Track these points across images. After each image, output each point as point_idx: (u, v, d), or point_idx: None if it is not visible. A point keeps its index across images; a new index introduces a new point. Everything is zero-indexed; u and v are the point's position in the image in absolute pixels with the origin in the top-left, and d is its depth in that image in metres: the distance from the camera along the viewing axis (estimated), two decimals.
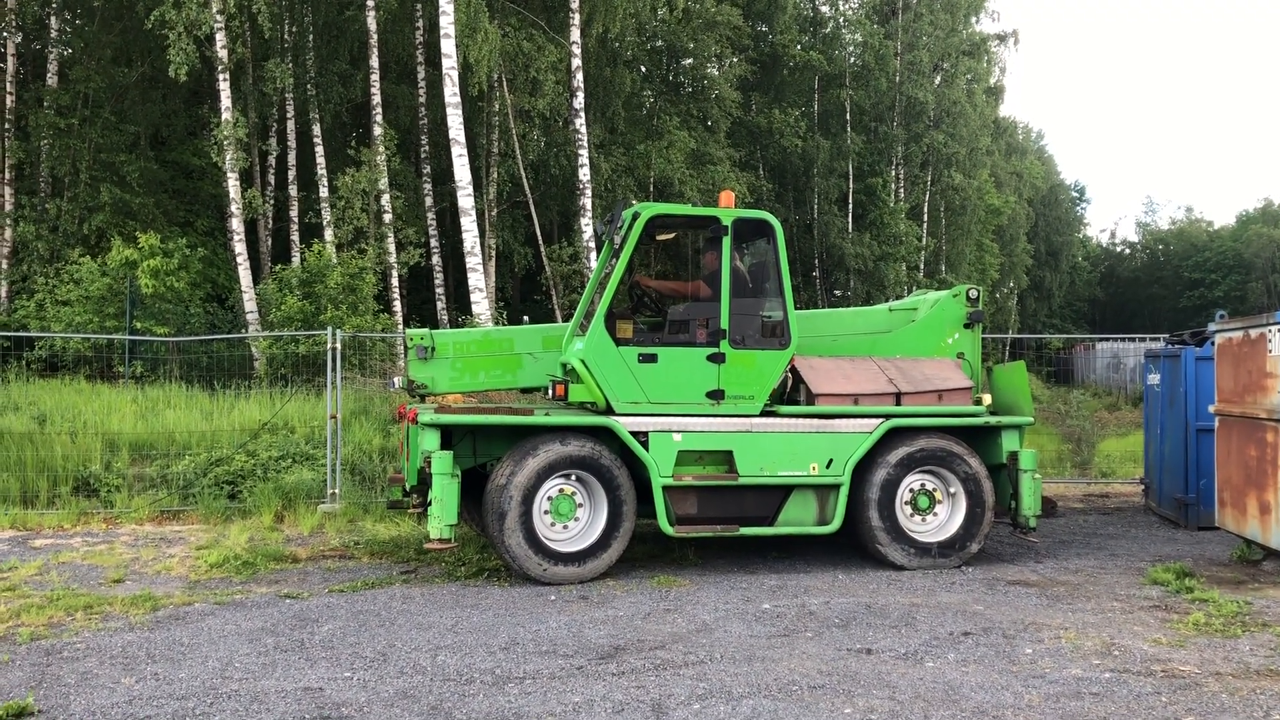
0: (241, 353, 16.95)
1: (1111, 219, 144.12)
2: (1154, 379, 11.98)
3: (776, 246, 8.72)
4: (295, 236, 22.74)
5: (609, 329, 8.36)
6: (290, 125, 22.91)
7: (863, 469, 8.64)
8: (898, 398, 8.76)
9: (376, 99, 21.71)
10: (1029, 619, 7.07)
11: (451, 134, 17.55)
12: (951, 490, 8.87)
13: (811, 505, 8.60)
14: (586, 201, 21.73)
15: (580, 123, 21.64)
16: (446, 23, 17.16)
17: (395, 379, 9.65)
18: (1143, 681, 5.69)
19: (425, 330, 9.27)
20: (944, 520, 8.88)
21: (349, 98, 23.30)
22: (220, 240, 22.59)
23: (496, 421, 8.17)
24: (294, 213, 22.90)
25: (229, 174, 19.11)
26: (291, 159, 23.12)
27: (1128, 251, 69.41)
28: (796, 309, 8.83)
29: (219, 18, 18.43)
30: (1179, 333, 11.77)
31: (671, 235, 10.52)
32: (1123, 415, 22.24)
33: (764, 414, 8.57)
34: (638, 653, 6.19)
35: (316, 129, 22.11)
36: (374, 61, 21.62)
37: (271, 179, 24.33)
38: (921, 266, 36.81)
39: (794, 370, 8.81)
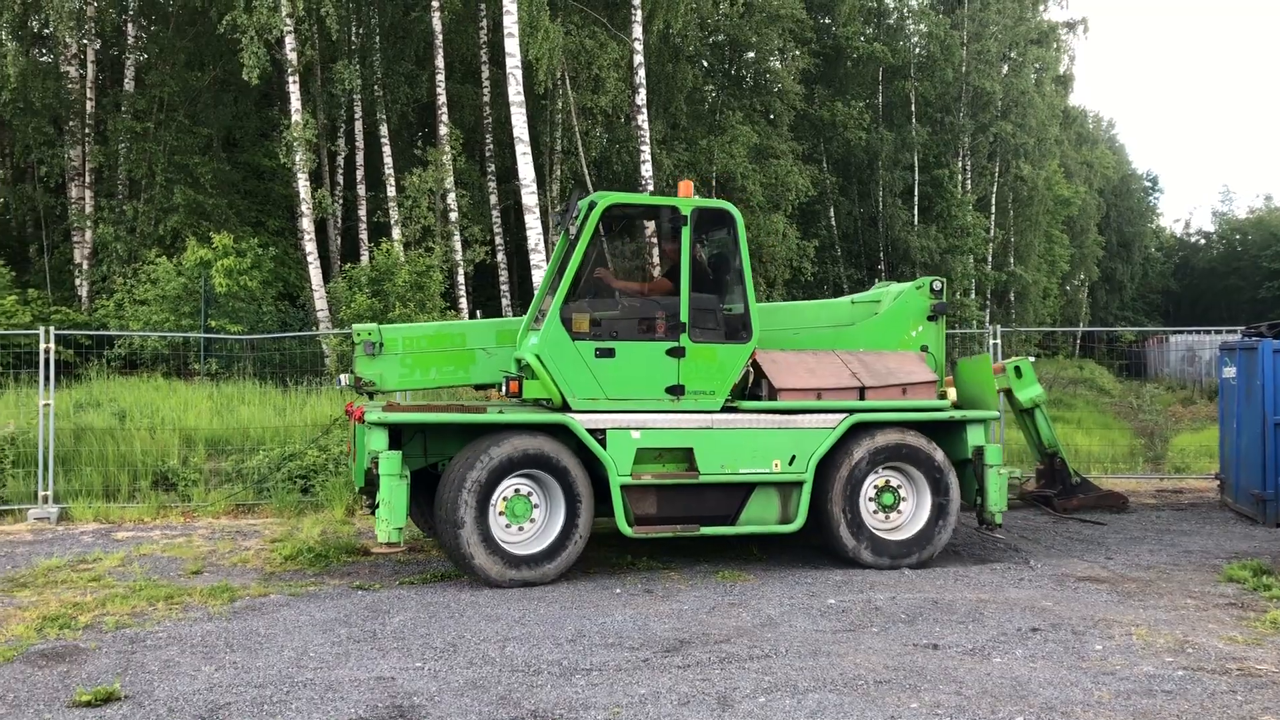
0: (313, 350, 17.28)
1: (1186, 209, 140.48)
2: (1230, 372, 11.71)
3: (737, 237, 8.49)
4: (364, 235, 23.10)
5: (565, 323, 8.08)
6: (358, 126, 23.27)
7: (826, 465, 8.43)
8: (861, 392, 8.58)
9: (442, 99, 21.97)
10: (1099, 615, 6.98)
11: (515, 132, 17.71)
12: (916, 486, 8.69)
13: (774, 503, 8.39)
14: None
15: (642, 119, 21.70)
16: (510, 22, 17.32)
17: (342, 376, 9.10)
18: (1218, 680, 5.60)
19: (373, 325, 8.89)
20: (909, 517, 8.69)
21: (415, 98, 23.60)
22: (291, 240, 23.02)
23: (448, 420, 7.94)
24: (362, 212, 23.27)
25: (299, 175, 19.49)
26: (359, 159, 23.49)
27: (1203, 242, 67.65)
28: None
29: (288, 21, 18.80)
30: (1256, 325, 11.47)
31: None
32: (1197, 410, 21.73)
33: (725, 410, 8.34)
34: (703, 646, 6.24)
35: (384, 129, 22.44)
36: (439, 62, 21.87)
37: (340, 179, 24.75)
38: (989, 259, 36.32)
39: (755, 364, 8.59)
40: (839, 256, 33.20)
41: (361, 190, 23.37)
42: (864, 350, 9.12)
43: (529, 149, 17.81)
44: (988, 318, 35.29)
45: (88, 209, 22.10)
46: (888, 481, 8.64)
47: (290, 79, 19.40)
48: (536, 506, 7.94)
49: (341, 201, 24.37)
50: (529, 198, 17.83)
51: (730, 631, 6.59)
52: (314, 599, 7.40)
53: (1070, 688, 5.46)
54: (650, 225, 9.04)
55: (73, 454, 11.61)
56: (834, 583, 8.02)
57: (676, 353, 8.21)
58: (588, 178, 23.20)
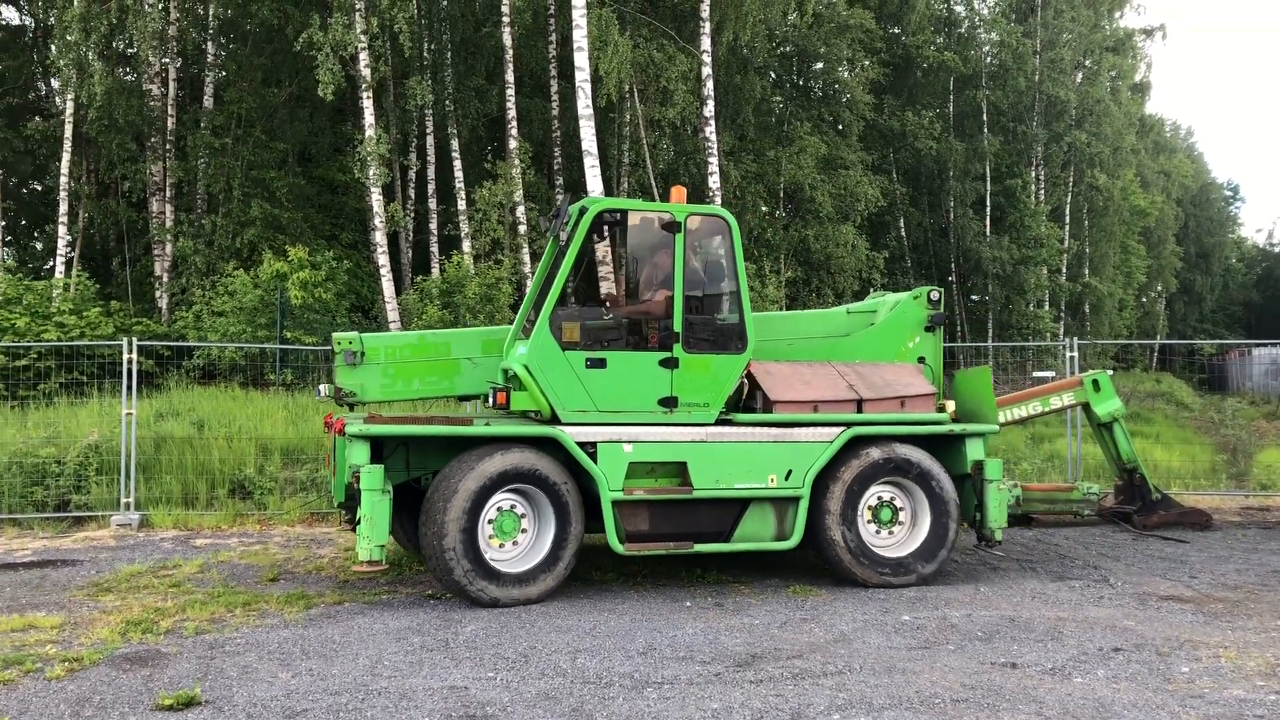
0: None
1: (1269, 218, 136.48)
2: None
3: (732, 244, 8.25)
4: (434, 248, 23.38)
5: (554, 332, 7.82)
6: (430, 140, 23.58)
7: (823, 480, 8.20)
8: (859, 404, 8.33)
9: (512, 113, 22.16)
10: (1184, 636, 6.78)
11: (584, 145, 17.79)
12: (915, 502, 8.45)
13: (770, 519, 8.14)
14: None
15: (710, 130, 21.68)
16: (579, 36, 17.43)
17: (322, 387, 8.79)
18: None
19: (354, 334, 8.61)
20: (907, 533, 8.47)
21: (485, 112, 23.85)
22: (364, 253, 23.37)
23: (432, 432, 7.60)
24: (433, 225, 23.56)
25: (372, 189, 19.79)
26: (431, 173, 23.79)
27: None
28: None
29: (363, 38, 19.12)
30: None
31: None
32: None
33: (719, 422, 8.10)
34: (775, 661, 6.18)
35: (454, 143, 22.72)
36: (509, 76, 22.08)
37: (412, 193, 25.07)
38: (1063, 270, 35.65)
39: (750, 376, 8.34)
40: (909, 268, 32.83)
41: (433, 204, 23.67)
42: (860, 362, 8.88)
43: (597, 162, 17.88)
44: (1062, 330, 34.62)
45: (168, 223, 22.65)
46: (886, 497, 8.42)
47: (364, 95, 19.72)
48: (525, 520, 7.68)
49: (413, 215, 24.70)
50: None
51: (803, 647, 6.52)
52: (387, 607, 7.48)
53: (1157, 710, 5.30)
54: (644, 233, 8.64)
55: (153, 462, 11.88)
56: (908, 599, 7.90)
57: (670, 363, 7.95)
58: (655, 190, 23.23)
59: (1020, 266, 32.26)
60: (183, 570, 8.77)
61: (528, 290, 8.96)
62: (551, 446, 7.69)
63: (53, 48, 24.22)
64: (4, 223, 25.21)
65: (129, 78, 23.74)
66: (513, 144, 22.03)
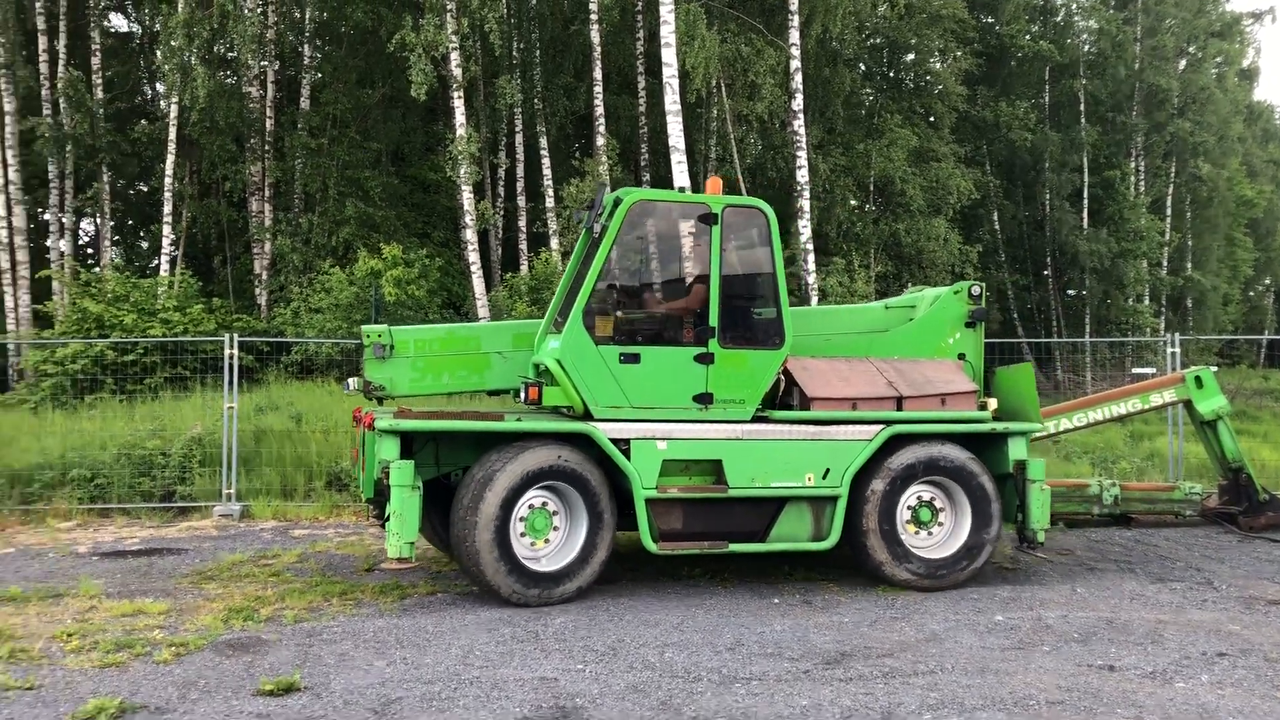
0: None
1: None
2: None
3: (770, 237, 8.01)
4: (523, 245, 23.64)
5: (587, 326, 7.66)
6: (519, 138, 23.83)
7: (861, 479, 7.97)
8: (899, 402, 8.08)
9: (599, 110, 22.27)
10: None
11: (671, 141, 17.79)
12: (955, 502, 8.20)
13: (806, 519, 7.94)
14: (804, 203, 21.56)
15: (798, 124, 21.51)
16: (667, 32, 17.43)
17: (351, 380, 8.66)
18: None
19: (383, 327, 8.47)
20: (947, 534, 8.21)
21: (573, 110, 24.03)
22: (455, 250, 23.72)
23: (463, 428, 7.46)
24: (522, 222, 23.82)
25: (463, 187, 20.07)
26: (520, 171, 24.05)
27: None
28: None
29: (454, 38, 19.40)
30: None
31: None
32: None
33: (755, 420, 7.91)
34: (865, 659, 6.13)
35: (543, 141, 22.92)
36: (597, 74, 22.19)
37: (501, 191, 25.38)
38: (1164, 264, 34.56)
39: (786, 372, 8.12)
40: (1003, 261, 32.17)
41: (521, 201, 23.92)
42: (899, 358, 8.62)
43: (684, 157, 17.87)
44: (1163, 325, 33.57)
45: (267, 222, 23.28)
46: (925, 497, 8.19)
47: (455, 95, 20.00)
48: (557, 520, 7.55)
49: (502, 212, 25.00)
50: None
51: (893, 645, 6.45)
52: (479, 598, 7.59)
53: (1264, 718, 5.12)
54: (680, 224, 8.45)
55: (253, 454, 12.24)
56: (1001, 599, 7.76)
57: (705, 359, 7.77)
58: (742, 185, 23.14)
59: (1119, 260, 31.35)
60: (281, 560, 9.02)
61: (559, 283, 8.83)
62: (584, 443, 7.54)
63: (158, 53, 25.06)
64: (113, 223, 26.11)
65: (229, 81, 24.42)
66: (600, 141, 22.13)
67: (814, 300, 20.92)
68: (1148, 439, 15.26)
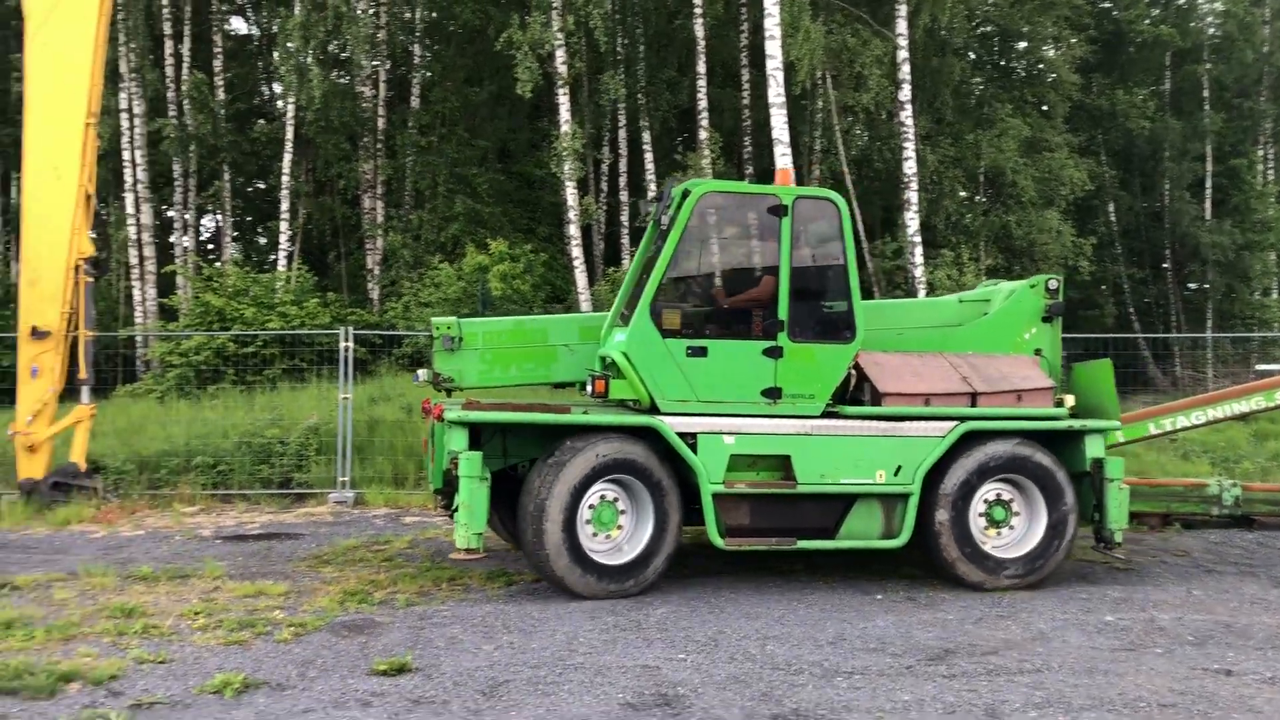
0: None
1: None
2: None
3: (842, 228, 7.89)
4: (625, 240, 23.80)
5: (654, 319, 7.61)
6: (622, 134, 23.99)
7: (933, 477, 7.78)
8: (973, 398, 7.87)
9: (703, 104, 22.29)
10: None
11: (775, 134, 17.72)
12: (1030, 501, 7.97)
13: (877, 516, 7.78)
14: (912, 195, 21.26)
15: (906, 115, 21.21)
16: (771, 24, 17.36)
17: (420, 372, 8.70)
18: None
19: (452, 319, 8.53)
20: (1022, 533, 7.99)
21: (676, 104, 24.08)
22: (558, 245, 24.02)
23: (531, 419, 7.48)
24: (625, 217, 23.98)
25: (567, 183, 20.33)
26: (623, 166, 24.21)
27: None
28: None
29: (559, 36, 19.65)
30: None
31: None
32: None
33: (825, 415, 7.79)
34: (969, 656, 6.07)
35: (646, 136, 23.03)
36: (701, 67, 22.20)
37: (604, 186, 25.60)
38: None
39: (857, 367, 7.96)
40: (1119, 254, 31.16)
41: (624, 196, 24.09)
42: (973, 353, 8.40)
43: (789, 150, 17.78)
44: None
45: (379, 218, 23.92)
46: (999, 495, 7.98)
47: (560, 91, 20.26)
48: (624, 514, 7.52)
49: (605, 207, 25.21)
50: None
51: (998, 643, 6.37)
52: None
53: None
54: (749, 216, 8.37)
55: (367, 443, 12.64)
56: (1112, 599, 7.58)
57: (774, 353, 7.68)
58: (847, 176, 22.92)
59: (1244, 252, 30.06)
60: (393, 546, 9.30)
61: (626, 274, 8.73)
62: (650, 436, 7.49)
63: (274, 55, 25.94)
64: (233, 219, 27.11)
65: (341, 80, 25.13)
66: (703, 135, 22.14)
67: (922, 294, 20.63)
68: (1274, 438, 14.66)
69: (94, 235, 12.85)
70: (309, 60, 21.65)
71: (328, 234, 26.72)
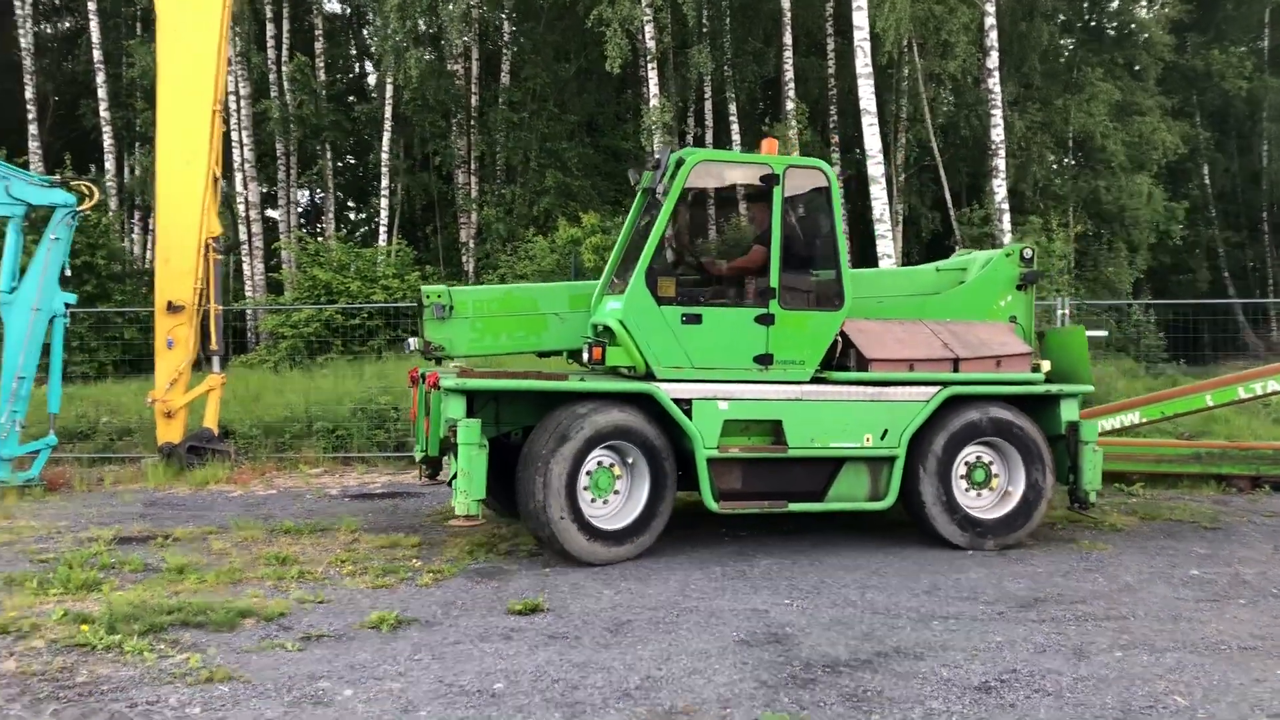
0: None
1: None
2: None
3: (831, 198, 8.03)
4: (711, 211, 24.19)
5: (650, 286, 7.66)
6: (708, 106, 24.34)
7: (917, 440, 7.98)
8: (955, 364, 8.06)
9: (789, 74, 22.54)
10: None
11: (862, 104, 17.94)
12: (1009, 463, 8.20)
13: (864, 479, 7.98)
14: (999, 162, 21.28)
15: (993, 82, 21.20)
16: None
17: (411, 340, 8.72)
18: None
19: (442, 287, 8.50)
20: (1001, 494, 8.23)
21: (762, 74, 24.35)
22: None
23: (529, 387, 7.50)
24: None
25: (655, 156, 20.76)
26: (709, 138, 24.57)
27: None
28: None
29: (648, 11, 20.06)
30: None
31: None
32: None
33: (814, 381, 7.94)
34: (1058, 604, 6.46)
35: (732, 108, 23.36)
36: (787, 38, 22.45)
37: None
38: None
39: (843, 334, 8.09)
40: (1213, 218, 30.62)
41: None
42: (952, 320, 8.57)
43: (875, 120, 17.98)
44: None
45: (473, 194, 24.68)
46: (979, 457, 8.20)
47: (648, 66, 20.68)
48: (620, 479, 7.58)
49: None
50: (874, 168, 18.03)
51: (1086, 594, 6.74)
52: (690, 541, 8.22)
53: None
54: (742, 185, 8.60)
55: None
56: (1197, 555, 7.88)
57: (766, 320, 7.80)
58: (935, 144, 22.98)
59: None
60: None
61: (615, 243, 8.94)
62: (646, 403, 7.58)
63: (365, 33, 26.76)
64: (336, 195, 28.11)
65: (430, 57, 25.82)
66: (789, 105, 22.40)
67: None
68: None
69: (223, 214, 13.69)
70: (406, 41, 22.38)
71: (420, 208, 27.59)
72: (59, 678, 4.90)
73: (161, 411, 12.08)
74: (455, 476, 7.18)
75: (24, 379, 10.92)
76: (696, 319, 7.75)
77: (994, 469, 8.27)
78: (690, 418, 7.56)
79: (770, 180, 7.87)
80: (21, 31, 25.15)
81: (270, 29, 25.26)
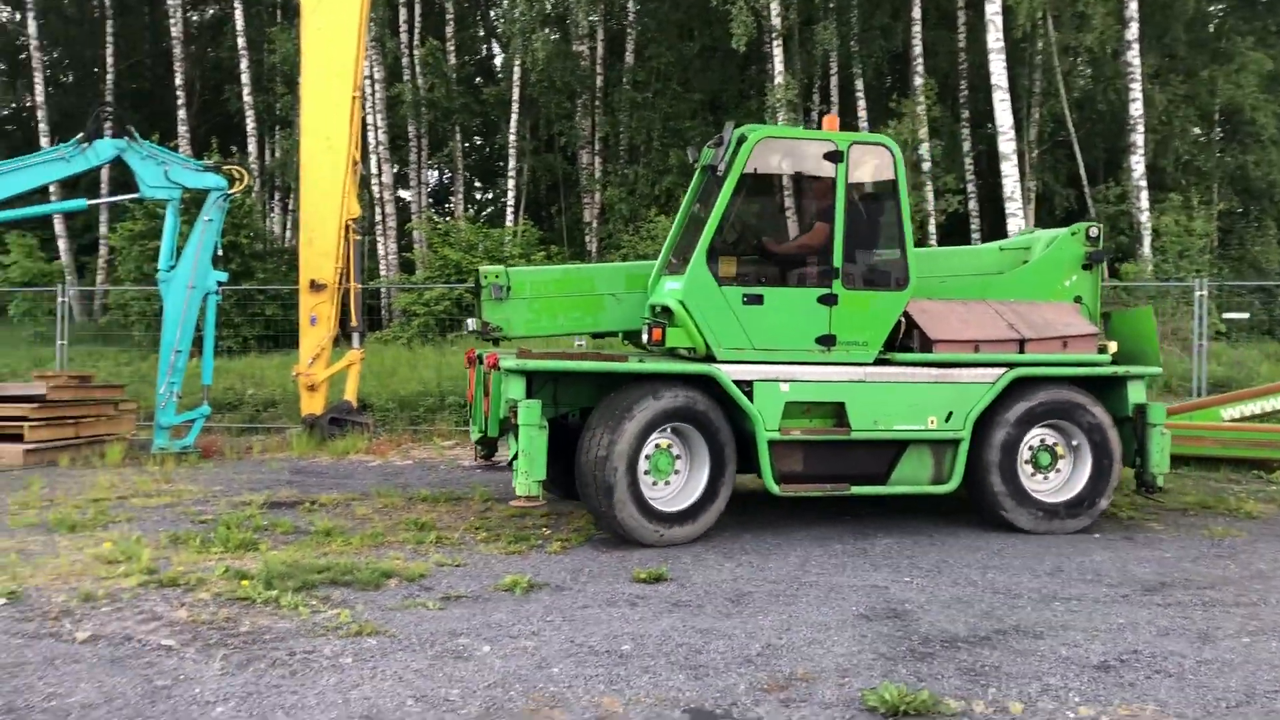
0: None
1: None
2: None
3: (896, 175, 7.83)
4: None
5: (711, 266, 7.56)
6: (833, 82, 24.12)
7: (981, 423, 7.84)
8: (1021, 345, 7.90)
9: (917, 49, 22.17)
10: None
11: (994, 79, 17.61)
12: (1075, 445, 8.03)
13: (927, 462, 7.85)
14: (1137, 138, 20.59)
15: (1132, 54, 20.50)
16: None
17: (470, 321, 8.71)
18: None
19: (500, 268, 8.48)
20: (1066, 478, 8.08)
21: (890, 49, 23.99)
22: None
23: (589, 368, 7.42)
24: None
25: None
26: (833, 114, 24.33)
27: None
28: None
29: None
30: None
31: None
32: None
33: (878, 362, 7.80)
34: (1185, 589, 6.39)
35: (858, 84, 23.11)
36: (915, 12, 22.08)
37: None
38: None
39: (906, 314, 7.94)
40: None
41: None
42: (1015, 300, 8.40)
43: (1007, 95, 17.64)
44: None
45: (596, 174, 25.01)
46: (1044, 440, 8.06)
47: (774, 42, 20.63)
48: (679, 460, 7.51)
49: None
50: (1006, 145, 17.70)
51: (1214, 579, 6.63)
52: (809, 519, 8.35)
53: None
54: (805, 162, 8.26)
55: None
56: None
57: (828, 300, 7.69)
58: (1069, 119, 22.33)
59: None
60: None
61: (674, 222, 8.83)
62: (707, 384, 7.49)
63: (496, 16, 27.27)
64: (465, 175, 28.84)
65: (556, 38, 26.22)
66: (918, 80, 22.04)
67: (1146, 241, 20.04)
68: None
69: (362, 196, 14.28)
70: (534, 23, 22.78)
71: (544, 189, 28.07)
72: (225, 627, 5.34)
73: (305, 385, 12.74)
74: (515, 457, 7.15)
75: (180, 353, 11.67)
76: (758, 299, 7.65)
77: (1059, 452, 8.17)
78: (751, 400, 7.50)
79: (834, 157, 7.75)
80: (172, 20, 26.50)
81: (403, 13, 26.02)
